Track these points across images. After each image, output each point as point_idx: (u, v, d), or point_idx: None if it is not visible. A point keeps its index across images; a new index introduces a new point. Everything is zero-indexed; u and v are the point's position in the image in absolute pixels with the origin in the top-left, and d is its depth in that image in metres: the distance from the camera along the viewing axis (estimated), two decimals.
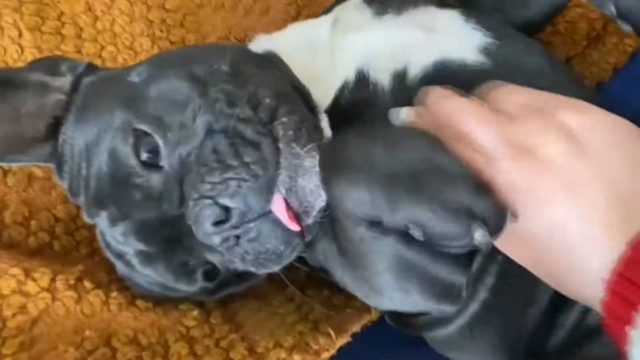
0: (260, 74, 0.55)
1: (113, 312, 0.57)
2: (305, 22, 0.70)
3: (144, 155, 0.50)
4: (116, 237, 0.53)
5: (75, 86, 0.59)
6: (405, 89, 0.58)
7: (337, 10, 0.68)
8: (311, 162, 0.49)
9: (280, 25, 0.83)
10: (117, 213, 0.52)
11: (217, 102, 0.50)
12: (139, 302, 0.58)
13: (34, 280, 0.55)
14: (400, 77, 0.59)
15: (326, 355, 0.57)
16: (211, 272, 0.54)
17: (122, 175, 0.51)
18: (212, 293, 0.57)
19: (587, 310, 0.57)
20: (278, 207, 0.48)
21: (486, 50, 0.61)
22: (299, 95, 0.56)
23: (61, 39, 0.74)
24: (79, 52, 0.74)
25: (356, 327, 0.62)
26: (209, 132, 0.49)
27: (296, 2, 0.85)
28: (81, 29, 0.76)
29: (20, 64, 0.72)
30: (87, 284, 0.57)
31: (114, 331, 0.55)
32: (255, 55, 0.62)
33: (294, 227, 0.48)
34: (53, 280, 0.56)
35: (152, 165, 0.50)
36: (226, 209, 0.47)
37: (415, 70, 0.59)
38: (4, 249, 0.58)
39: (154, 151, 0.50)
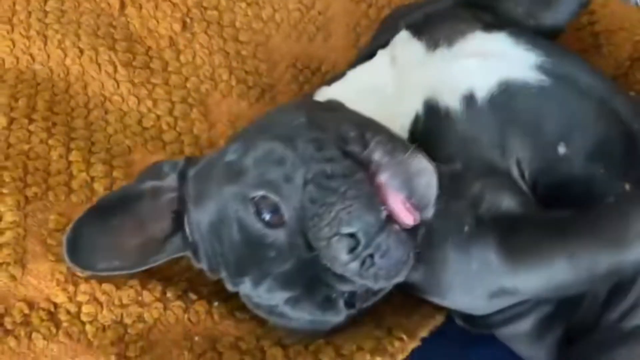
0: (335, 115, 0.61)
1: (216, 320, 0.64)
2: (362, 67, 0.75)
3: (267, 217, 0.56)
4: (262, 295, 0.59)
5: (181, 181, 0.65)
6: (477, 110, 0.64)
7: (391, 48, 0.73)
8: (418, 162, 0.55)
9: (341, 51, 0.92)
10: (259, 274, 0.58)
11: (307, 150, 0.56)
12: (238, 313, 0.65)
13: (149, 290, 0.64)
14: (469, 100, 0.65)
15: (400, 357, 0.63)
16: (350, 300, 0.59)
17: (253, 240, 0.57)
18: (360, 314, 0.62)
19: (631, 310, 0.63)
20: (399, 210, 0.53)
21: (542, 68, 0.66)
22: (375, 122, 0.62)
23: (150, 73, 0.84)
24: (166, 83, 0.83)
25: (425, 332, 0.68)
26: (306, 182, 0.54)
27: (355, 30, 0.92)
28: (167, 62, 0.85)
29: (116, 97, 0.81)
30: (192, 295, 0.65)
31: (218, 338, 0.63)
32: (322, 104, 0.68)
33: (410, 219, 0.53)
34: (164, 291, 0.64)
35: (277, 223, 0.56)
36: (353, 237, 0.52)
37: (481, 92, 0.65)
38: None
39: (275, 210, 0.56)
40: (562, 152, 0.63)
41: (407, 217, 0.53)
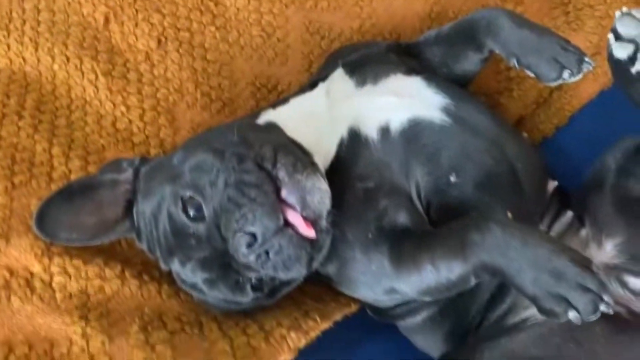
0: (262, 136, 0.73)
1: (164, 298, 0.77)
2: (304, 95, 0.86)
3: (192, 212, 0.68)
4: (187, 274, 0.72)
5: (136, 175, 0.77)
6: (390, 140, 0.77)
7: (328, 82, 0.85)
8: (312, 183, 0.67)
9: (295, 74, 1.02)
10: (183, 257, 0.70)
11: (230, 162, 0.68)
12: (182, 295, 0.78)
13: (111, 268, 0.76)
14: (384, 131, 0.77)
15: (313, 334, 0.76)
16: (257, 285, 0.71)
17: (180, 230, 0.69)
18: (269, 298, 0.75)
19: (509, 311, 0.78)
20: (296, 220, 0.65)
21: (446, 110, 0.79)
22: (295, 144, 0.74)
23: (127, 82, 0.93)
24: (139, 93, 0.93)
25: (338, 317, 0.81)
26: (226, 185, 0.67)
27: (309, 57, 1.02)
28: (142, 74, 0.95)
29: (95, 102, 0.92)
30: (145, 276, 0.78)
31: (164, 312, 0.76)
32: (257, 126, 0.80)
33: (310, 232, 0.66)
34: (122, 270, 0.77)
35: (198, 218, 0.68)
36: (253, 235, 0.65)
37: (395, 125, 0.77)
38: (89, 247, 0.78)
39: (199, 207, 0.68)
40: (453, 181, 0.75)
41: (302, 227, 0.65)
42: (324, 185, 0.68)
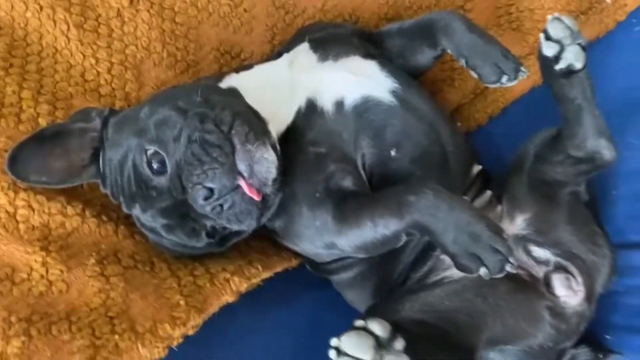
0: (223, 100, 0.79)
1: (120, 238, 0.84)
2: (268, 64, 0.93)
3: (155, 166, 0.74)
4: (147, 219, 0.78)
5: (104, 125, 0.82)
6: (343, 113, 0.85)
7: (293, 53, 0.92)
8: (261, 154, 0.74)
9: (259, 45, 1.08)
10: (145, 205, 0.77)
11: (192, 121, 0.74)
12: (137, 236, 0.85)
13: (72, 206, 0.82)
14: (339, 104, 0.86)
15: (254, 281, 0.84)
16: (211, 232, 0.78)
17: (143, 181, 0.75)
18: (221, 245, 0.82)
19: (430, 272, 0.88)
20: (243, 185, 0.73)
21: (395, 93, 0.88)
22: (252, 112, 0.80)
23: (97, 36, 0.97)
24: (109, 47, 0.97)
25: (279, 269, 0.90)
26: (190, 142, 0.73)
27: (272, 30, 1.08)
28: (112, 30, 0.98)
29: (66, 51, 0.95)
30: (104, 217, 0.84)
31: (119, 250, 0.83)
32: (221, 89, 0.86)
33: (255, 195, 0.73)
34: (83, 209, 0.83)
35: (161, 171, 0.74)
36: (210, 190, 0.72)
37: (349, 101, 0.86)
38: None
39: (162, 162, 0.74)
40: (393, 155, 0.85)
41: (250, 191, 0.73)
42: (271, 156, 0.75)
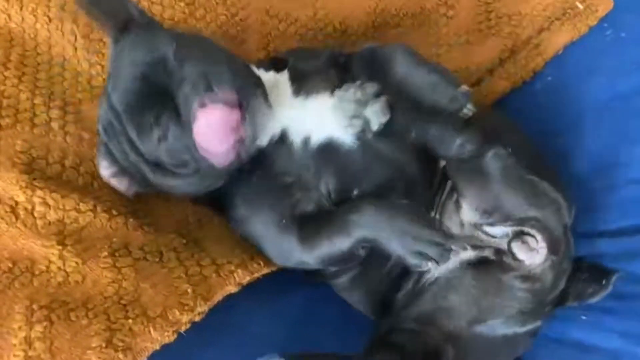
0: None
1: (130, 230, 0.88)
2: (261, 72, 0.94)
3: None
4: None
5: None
6: (309, 149, 0.89)
7: (278, 77, 0.94)
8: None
9: (254, 52, 1.12)
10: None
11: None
12: (146, 227, 0.90)
13: (85, 203, 0.87)
14: (306, 141, 0.89)
15: (256, 275, 0.89)
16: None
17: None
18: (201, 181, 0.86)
19: (418, 280, 0.94)
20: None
21: (357, 136, 0.89)
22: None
23: (103, 45, 1.01)
24: None
25: (276, 267, 0.93)
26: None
27: (267, 37, 1.12)
28: None
29: (74, 60, 1.01)
30: (114, 211, 0.89)
31: (130, 242, 0.87)
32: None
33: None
34: (95, 205, 0.88)
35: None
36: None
37: (314, 140, 0.89)
38: (66, 185, 0.90)
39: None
40: (355, 193, 0.90)
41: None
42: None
